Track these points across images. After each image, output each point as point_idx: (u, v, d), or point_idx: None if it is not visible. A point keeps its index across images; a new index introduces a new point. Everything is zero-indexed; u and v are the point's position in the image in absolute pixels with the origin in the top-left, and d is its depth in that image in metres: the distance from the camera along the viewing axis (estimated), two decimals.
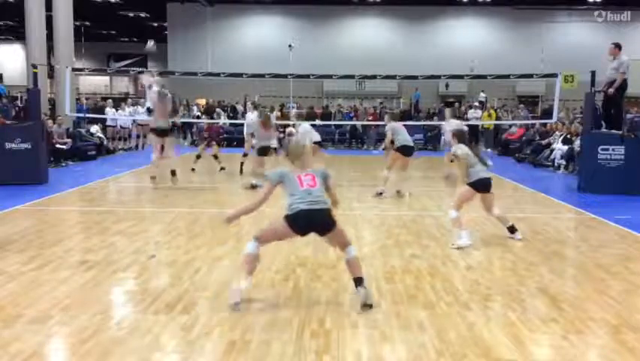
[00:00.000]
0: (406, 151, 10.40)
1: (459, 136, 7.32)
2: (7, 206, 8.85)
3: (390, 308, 4.73)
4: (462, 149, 7.09)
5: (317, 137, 12.84)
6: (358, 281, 4.77)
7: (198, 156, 13.56)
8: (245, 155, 13.13)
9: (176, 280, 5.42)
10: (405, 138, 10.47)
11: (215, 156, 13.71)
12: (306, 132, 12.73)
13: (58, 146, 14.78)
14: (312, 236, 6.65)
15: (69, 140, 15.64)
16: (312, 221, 4.73)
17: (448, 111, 13.82)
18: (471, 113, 21.82)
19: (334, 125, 22.84)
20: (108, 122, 19.20)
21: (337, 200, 5.12)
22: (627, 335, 4.24)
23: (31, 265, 5.79)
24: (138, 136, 20.40)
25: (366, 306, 4.64)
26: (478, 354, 3.89)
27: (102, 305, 4.75)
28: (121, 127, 19.76)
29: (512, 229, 7.24)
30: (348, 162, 16.11)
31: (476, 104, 22.59)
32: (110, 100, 22.48)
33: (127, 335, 4.14)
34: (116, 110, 20.34)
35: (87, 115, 19.61)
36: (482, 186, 7.05)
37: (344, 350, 3.92)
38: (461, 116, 21.71)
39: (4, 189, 10.35)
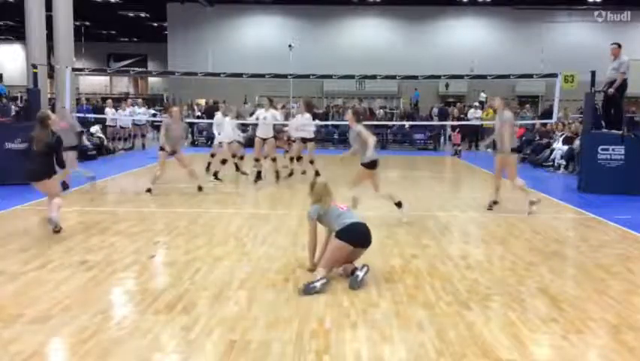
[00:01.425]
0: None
1: (358, 115, 8.24)
2: (7, 206, 8.86)
3: (390, 308, 4.73)
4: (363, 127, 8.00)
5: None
6: (354, 270, 5.34)
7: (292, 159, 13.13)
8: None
9: (176, 280, 5.42)
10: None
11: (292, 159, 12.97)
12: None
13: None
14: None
15: (88, 143, 15.60)
16: (364, 232, 5.48)
17: (302, 102, 13.56)
18: (471, 113, 21.74)
19: (331, 125, 22.83)
20: (108, 122, 19.15)
21: None
22: (627, 335, 4.25)
23: (31, 265, 5.79)
24: (136, 136, 20.32)
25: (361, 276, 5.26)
26: (477, 354, 3.89)
27: (102, 305, 4.75)
28: (120, 127, 19.73)
29: (400, 204, 8.22)
30: (348, 162, 16.11)
31: (476, 104, 22.48)
32: (110, 100, 22.46)
33: (127, 335, 4.14)
34: (116, 110, 20.31)
35: (88, 115, 19.58)
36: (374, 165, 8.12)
37: (344, 350, 3.92)
38: (463, 116, 21.65)
39: (4, 189, 10.35)
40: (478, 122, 20.76)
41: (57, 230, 7.10)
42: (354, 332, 4.23)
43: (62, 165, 7.43)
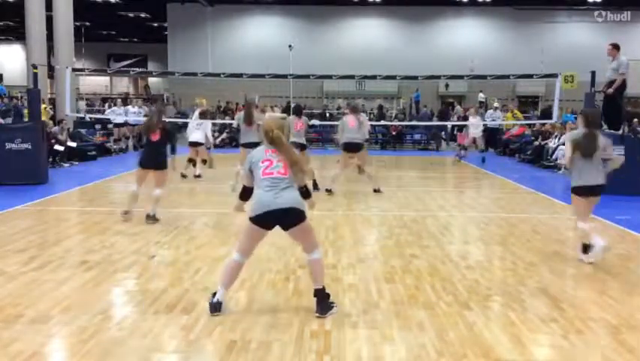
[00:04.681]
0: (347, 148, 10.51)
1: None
2: (7, 206, 8.86)
3: (390, 308, 4.73)
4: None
5: None
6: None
7: None
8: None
9: (176, 280, 5.42)
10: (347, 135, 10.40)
11: None
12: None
13: (56, 147, 14.68)
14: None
15: (73, 144, 15.51)
16: None
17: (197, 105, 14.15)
18: (489, 113, 21.02)
19: (330, 125, 22.85)
20: (117, 121, 18.96)
21: None
22: (627, 335, 4.25)
23: (31, 265, 5.79)
24: (128, 137, 20.10)
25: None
26: (478, 354, 3.89)
27: (102, 305, 4.75)
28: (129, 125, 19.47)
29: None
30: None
31: (496, 105, 22.01)
32: (120, 100, 22.40)
33: (127, 335, 4.14)
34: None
35: (90, 115, 19.51)
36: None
37: (344, 350, 3.93)
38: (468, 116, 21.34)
39: (4, 189, 10.36)
40: (496, 125, 20.52)
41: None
42: (355, 332, 4.23)
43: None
